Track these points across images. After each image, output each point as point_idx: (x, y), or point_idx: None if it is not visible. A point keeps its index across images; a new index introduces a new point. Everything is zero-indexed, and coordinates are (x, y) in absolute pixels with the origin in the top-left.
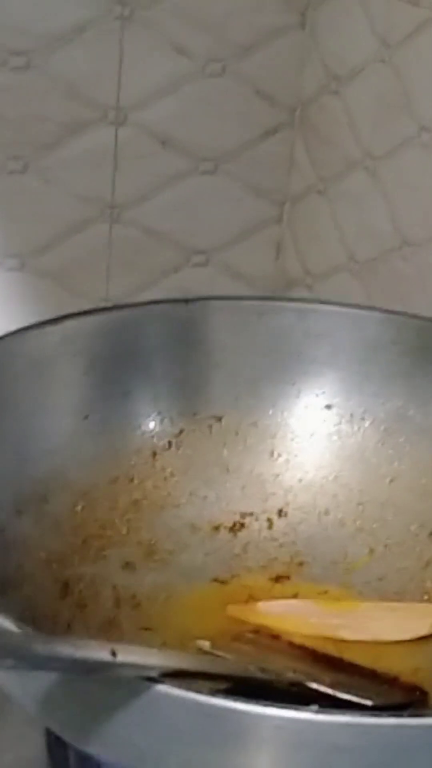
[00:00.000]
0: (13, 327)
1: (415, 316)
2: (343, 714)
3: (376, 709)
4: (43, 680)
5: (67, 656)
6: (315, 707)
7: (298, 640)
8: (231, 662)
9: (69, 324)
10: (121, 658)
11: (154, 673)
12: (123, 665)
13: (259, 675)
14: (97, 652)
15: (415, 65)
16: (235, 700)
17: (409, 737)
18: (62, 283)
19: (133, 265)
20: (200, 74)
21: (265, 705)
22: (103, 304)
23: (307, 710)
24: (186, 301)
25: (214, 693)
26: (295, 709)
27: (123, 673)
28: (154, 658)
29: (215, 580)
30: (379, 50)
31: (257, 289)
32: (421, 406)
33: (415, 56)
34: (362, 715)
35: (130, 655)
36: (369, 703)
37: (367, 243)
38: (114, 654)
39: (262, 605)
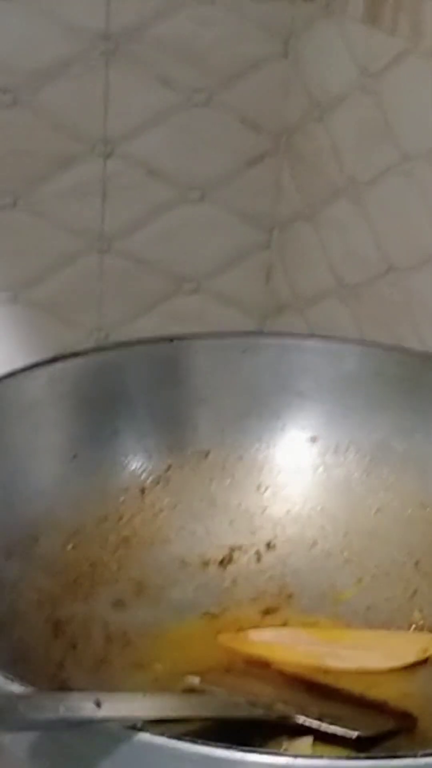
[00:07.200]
0: (6, 358)
1: (395, 348)
2: (320, 758)
3: (362, 741)
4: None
5: (51, 716)
6: (293, 753)
7: (288, 669)
8: (219, 700)
9: (56, 366)
10: (104, 710)
11: (138, 722)
12: (106, 719)
13: (247, 713)
14: (81, 705)
15: (395, 94)
16: (215, 746)
17: None
18: (55, 314)
19: (124, 294)
20: (185, 105)
21: (244, 751)
22: (96, 334)
23: (285, 755)
24: (170, 339)
25: (194, 740)
26: (273, 754)
27: (106, 725)
28: (137, 706)
29: (205, 614)
30: (360, 79)
31: (248, 314)
32: (405, 437)
33: (394, 85)
34: (338, 758)
35: (115, 704)
36: (354, 735)
37: (354, 269)
38: (98, 705)
39: (253, 634)
